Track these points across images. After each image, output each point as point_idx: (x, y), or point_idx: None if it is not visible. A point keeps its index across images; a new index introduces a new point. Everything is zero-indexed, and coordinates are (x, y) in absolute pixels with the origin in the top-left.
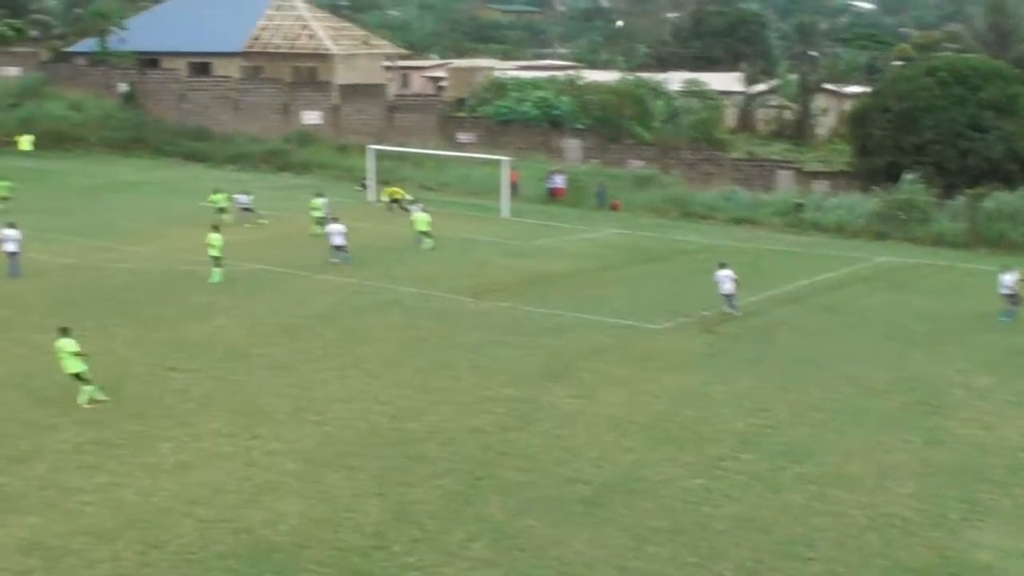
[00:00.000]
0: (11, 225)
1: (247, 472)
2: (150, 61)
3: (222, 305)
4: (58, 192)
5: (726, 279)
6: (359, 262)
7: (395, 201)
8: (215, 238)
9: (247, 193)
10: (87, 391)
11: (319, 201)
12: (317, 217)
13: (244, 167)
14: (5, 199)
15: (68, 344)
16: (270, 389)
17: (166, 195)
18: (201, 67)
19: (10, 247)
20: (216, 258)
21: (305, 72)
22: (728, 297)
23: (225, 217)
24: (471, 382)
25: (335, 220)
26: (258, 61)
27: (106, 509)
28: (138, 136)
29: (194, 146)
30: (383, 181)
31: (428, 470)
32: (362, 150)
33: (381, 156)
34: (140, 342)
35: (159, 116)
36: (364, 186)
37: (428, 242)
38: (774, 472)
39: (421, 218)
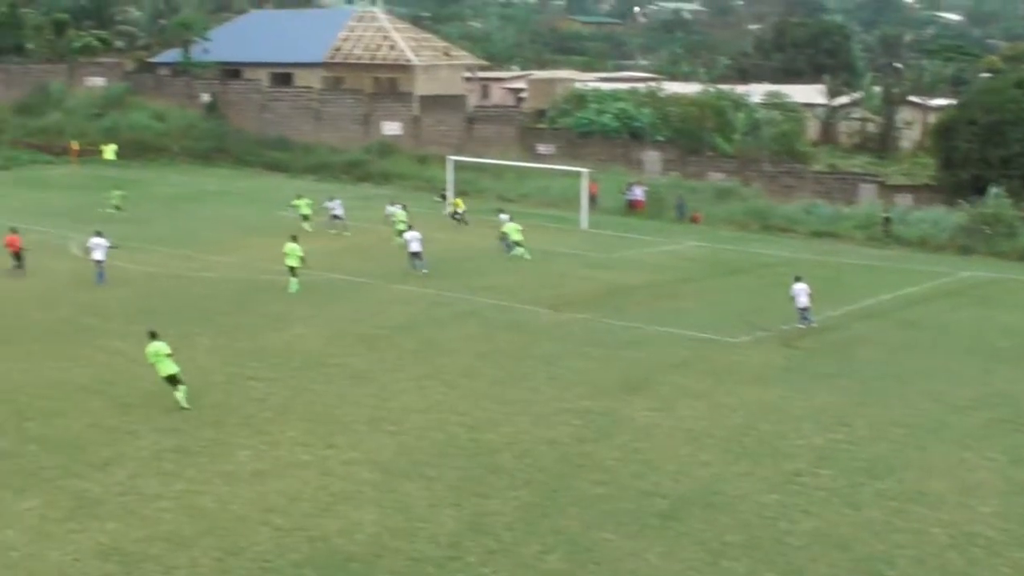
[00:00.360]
0: (99, 233)
1: (323, 481)
2: (232, 71)
3: (300, 314)
4: (140, 201)
5: (801, 292)
6: (437, 273)
7: (455, 215)
8: (292, 248)
9: (335, 198)
10: (183, 390)
11: (393, 209)
12: (399, 229)
13: (324, 177)
14: (119, 208)
15: (161, 347)
16: (347, 399)
17: (247, 205)
18: (282, 78)
19: (97, 255)
20: (293, 268)
21: (386, 83)
22: (803, 311)
23: (305, 225)
24: (548, 394)
25: (410, 227)
26: (339, 72)
27: (184, 516)
28: (220, 146)
29: (275, 156)
30: (440, 193)
31: (504, 481)
32: (442, 161)
33: (460, 167)
34: (220, 350)
35: (240, 126)
36: (443, 197)
37: (520, 250)
38: (853, 488)
39: (511, 227)
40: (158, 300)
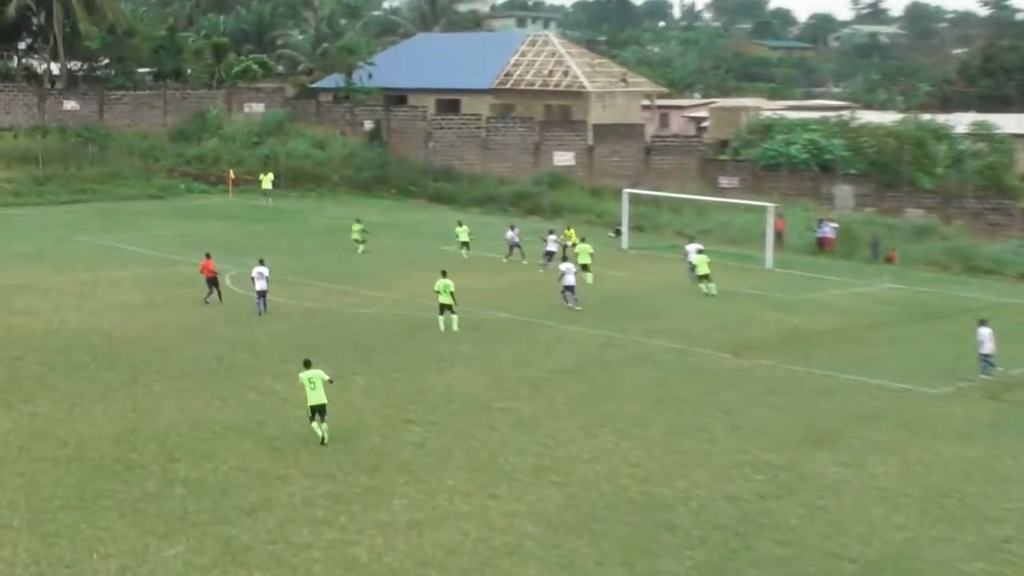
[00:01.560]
0: (261, 262)
1: (484, 534)
2: (397, 98)
3: (463, 355)
4: (297, 232)
5: (986, 338)
6: (610, 312)
7: (565, 246)
8: (444, 284)
9: (515, 227)
10: (325, 427)
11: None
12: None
13: (491, 210)
14: (360, 242)
15: (317, 375)
16: (511, 446)
17: (409, 237)
18: (449, 104)
19: (260, 284)
20: (445, 306)
21: (558, 110)
22: (985, 357)
23: (463, 252)
24: (727, 445)
25: (564, 259)
26: (509, 98)
27: (336, 567)
28: (382, 176)
29: (440, 187)
30: (615, 228)
31: (678, 539)
32: (616, 194)
33: (636, 200)
34: (377, 391)
35: (404, 155)
36: (618, 232)
37: (709, 287)
38: None
39: (700, 260)
40: (313, 337)
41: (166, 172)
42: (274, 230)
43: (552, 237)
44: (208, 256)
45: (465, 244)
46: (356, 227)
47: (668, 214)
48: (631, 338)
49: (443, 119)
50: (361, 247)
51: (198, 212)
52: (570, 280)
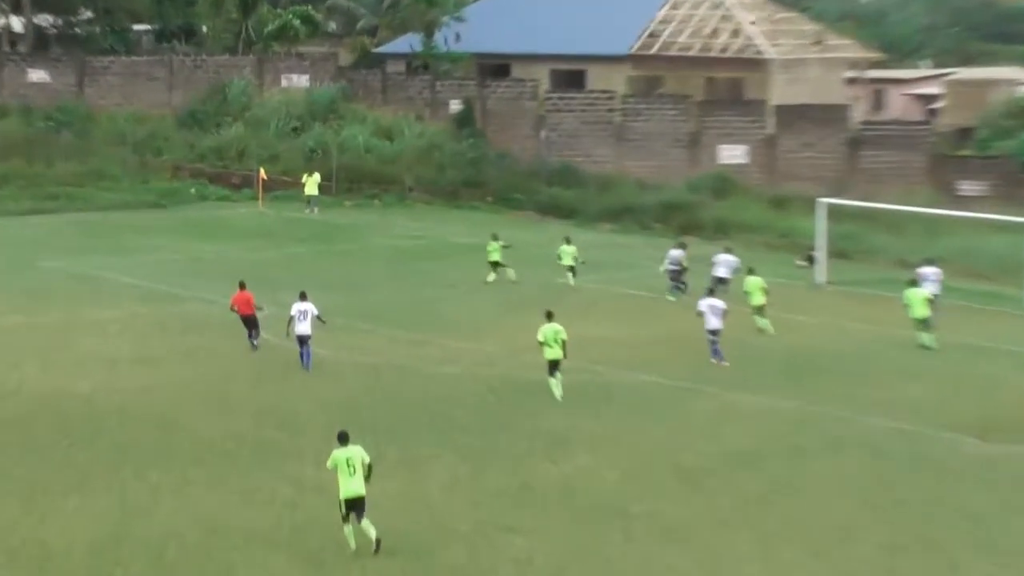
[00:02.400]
0: (304, 296)
1: None
2: (496, 68)
3: (587, 434)
4: (355, 257)
5: None
6: (799, 375)
7: (570, 268)
8: (551, 331)
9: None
10: (372, 532)
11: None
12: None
13: (627, 226)
14: (497, 266)
15: (356, 453)
16: (656, 564)
17: (512, 265)
18: (570, 77)
19: (302, 328)
20: (554, 362)
21: (725, 86)
22: None
23: (569, 278)
24: (975, 570)
25: (710, 291)
26: (655, 69)
27: None
28: (474, 177)
29: (556, 194)
30: (806, 255)
31: None
32: (809, 205)
33: (837, 214)
34: (463, 485)
35: (505, 148)
36: (811, 259)
37: (927, 338)
38: None
39: (917, 297)
40: (375, 404)
41: (171, 171)
42: (321, 254)
43: (725, 257)
44: (242, 286)
45: (571, 269)
46: (493, 246)
47: (884, 234)
48: (831, 411)
49: (561, 98)
50: (509, 271)
51: (215, 227)
52: (714, 323)
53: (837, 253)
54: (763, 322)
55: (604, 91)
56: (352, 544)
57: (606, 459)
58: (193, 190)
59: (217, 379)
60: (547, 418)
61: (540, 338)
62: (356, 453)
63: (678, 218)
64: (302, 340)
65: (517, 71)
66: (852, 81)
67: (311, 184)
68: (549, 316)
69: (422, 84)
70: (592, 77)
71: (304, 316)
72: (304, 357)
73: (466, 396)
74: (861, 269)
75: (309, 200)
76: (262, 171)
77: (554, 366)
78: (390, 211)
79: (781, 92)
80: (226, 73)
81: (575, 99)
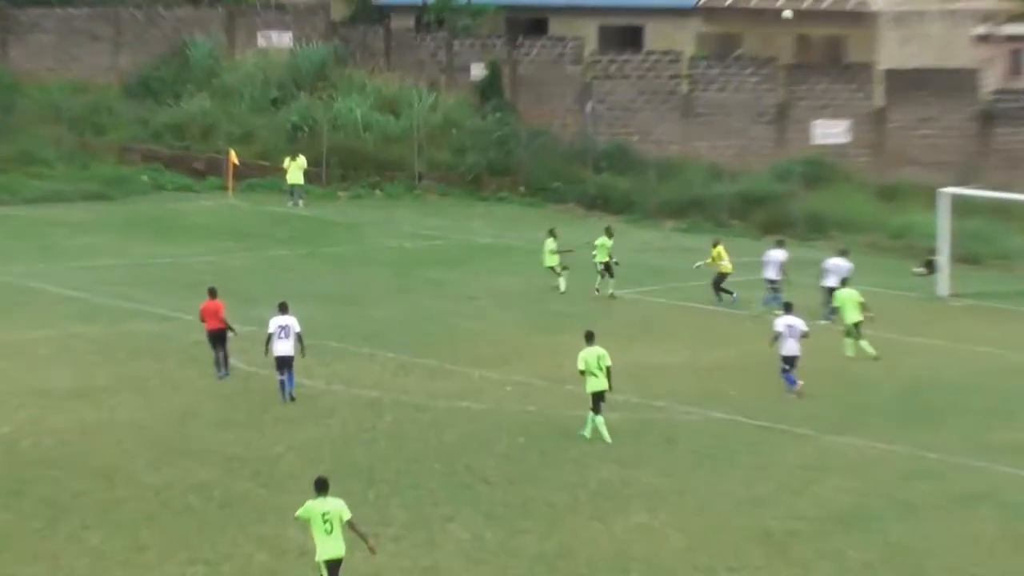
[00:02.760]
0: (284, 308)
1: None
2: (531, 23)
3: (644, 487)
4: (352, 262)
5: None
6: (915, 412)
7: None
8: (593, 355)
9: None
10: None
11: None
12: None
13: (696, 223)
14: (607, 266)
15: (337, 508)
16: None
17: (547, 274)
18: (624, 35)
19: (282, 348)
20: (599, 395)
21: (820, 46)
22: None
23: (608, 286)
24: None
25: (787, 308)
26: (730, 24)
27: None
28: (502, 162)
29: (605, 182)
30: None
31: None
32: (928, 196)
33: (965, 208)
34: (489, 550)
35: (539, 124)
36: (931, 266)
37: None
38: None
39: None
40: (374, 452)
41: (117, 154)
42: (308, 258)
43: (838, 263)
44: (212, 293)
45: (607, 268)
46: (550, 244)
47: (1021, 232)
48: (958, 460)
49: (612, 61)
50: (560, 280)
51: (173, 225)
52: (792, 348)
53: (964, 258)
54: (861, 344)
55: (667, 52)
56: None
57: (669, 518)
58: (145, 177)
59: (175, 417)
60: (595, 466)
61: (581, 366)
62: (335, 508)
63: (761, 213)
64: (282, 363)
65: (556, 27)
66: (984, 39)
67: (295, 170)
68: (589, 338)
69: (436, 44)
70: (651, 35)
71: (285, 333)
72: (284, 385)
73: (492, 439)
74: (994, 278)
75: (292, 190)
76: (233, 154)
77: (598, 399)
78: (395, 204)
79: (892, 53)
80: (188, 30)
81: (630, 63)
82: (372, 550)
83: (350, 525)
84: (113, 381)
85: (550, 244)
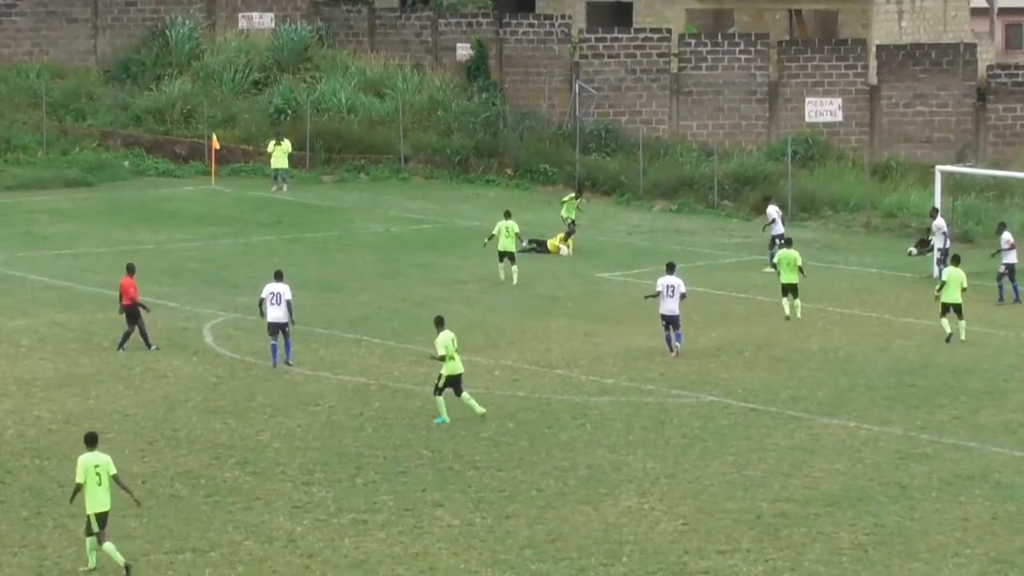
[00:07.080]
0: (279, 276)
1: None
2: (517, 1)
3: (635, 471)
4: (337, 247)
5: None
6: (905, 393)
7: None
8: (449, 341)
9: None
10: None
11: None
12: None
13: (687, 204)
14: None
15: (107, 460)
16: None
17: (535, 257)
18: (613, 12)
19: (276, 313)
20: (456, 378)
21: (812, 22)
22: None
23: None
24: None
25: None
26: (721, 1)
27: None
28: (489, 143)
29: (594, 163)
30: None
31: None
32: (923, 175)
33: (959, 185)
34: (478, 537)
35: (527, 105)
36: (925, 245)
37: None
38: None
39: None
40: (361, 438)
41: (97, 139)
42: (293, 243)
43: (939, 225)
44: (130, 270)
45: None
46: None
47: (1020, 209)
48: (946, 441)
49: (601, 39)
50: (513, 269)
51: (155, 211)
52: (670, 307)
53: (960, 237)
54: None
55: (656, 30)
56: (92, 563)
57: (660, 502)
58: (126, 163)
59: (160, 405)
60: (584, 451)
61: (442, 351)
62: (103, 462)
63: (754, 194)
64: (275, 328)
65: (544, 5)
66: (980, 13)
67: (280, 154)
68: (440, 323)
69: (421, 23)
70: (641, 11)
71: (277, 299)
72: (276, 351)
73: (479, 425)
74: (987, 257)
75: (276, 174)
76: (215, 138)
77: (457, 382)
78: (381, 188)
79: (887, 29)
80: (168, 11)
81: (619, 41)
82: (137, 502)
83: (115, 480)
84: (97, 370)
85: (512, 226)
